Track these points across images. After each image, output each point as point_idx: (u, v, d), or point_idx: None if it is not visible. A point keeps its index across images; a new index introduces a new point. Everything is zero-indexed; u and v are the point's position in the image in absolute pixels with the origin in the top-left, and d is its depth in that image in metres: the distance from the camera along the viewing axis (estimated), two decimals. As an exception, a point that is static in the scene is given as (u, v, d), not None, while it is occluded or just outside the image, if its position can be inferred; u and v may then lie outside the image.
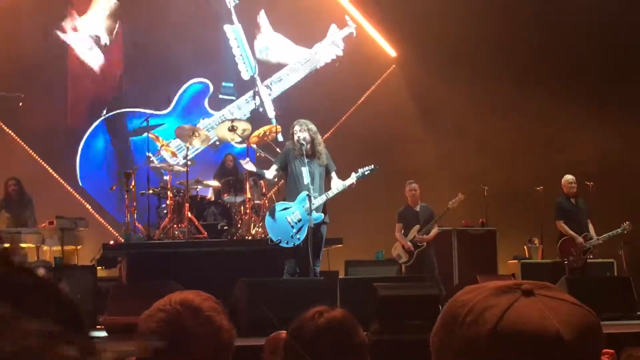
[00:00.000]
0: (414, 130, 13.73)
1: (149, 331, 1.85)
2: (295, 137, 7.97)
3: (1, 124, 12.74)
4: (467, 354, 1.07)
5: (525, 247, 11.82)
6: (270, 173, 8.30)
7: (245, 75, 13.52)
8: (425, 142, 13.72)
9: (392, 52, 14.38)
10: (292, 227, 7.80)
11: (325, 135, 13.34)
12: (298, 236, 7.77)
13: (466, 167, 13.27)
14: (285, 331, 4.16)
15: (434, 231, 10.10)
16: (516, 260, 11.04)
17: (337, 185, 7.94)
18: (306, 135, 7.94)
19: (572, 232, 10.10)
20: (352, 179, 7.97)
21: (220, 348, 1.89)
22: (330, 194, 7.92)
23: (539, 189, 11.83)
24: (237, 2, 13.53)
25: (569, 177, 10.36)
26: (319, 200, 7.79)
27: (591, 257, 10.18)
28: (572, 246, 10.10)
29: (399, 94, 13.91)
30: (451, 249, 10.94)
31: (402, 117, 13.69)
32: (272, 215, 7.99)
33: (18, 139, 12.78)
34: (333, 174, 8.11)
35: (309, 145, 7.92)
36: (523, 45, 13.67)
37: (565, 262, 10.11)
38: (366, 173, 8.07)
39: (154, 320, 1.85)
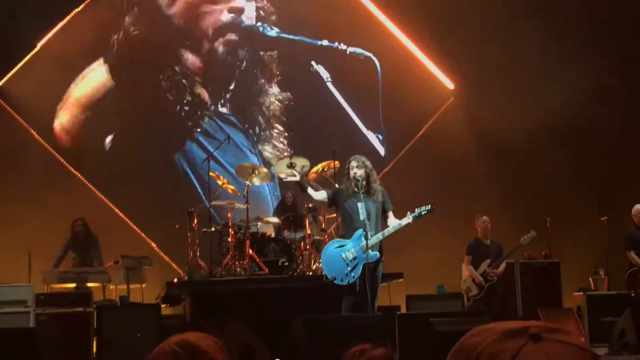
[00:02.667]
0: (474, 164, 13.65)
1: None
2: (352, 173, 7.99)
3: (69, 166, 13.12)
4: None
5: (590, 278, 11.58)
6: (318, 195, 8.25)
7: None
8: (486, 175, 13.62)
9: (449, 85, 14.36)
10: (347, 264, 7.79)
11: (385, 170, 13.39)
12: (352, 274, 7.76)
13: (527, 198, 13.14)
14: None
15: (503, 266, 10.16)
16: (581, 293, 10.81)
17: (393, 224, 7.89)
18: (362, 172, 7.94)
19: (642, 263, 9.90)
20: (408, 218, 7.88)
21: None
22: (387, 232, 7.85)
23: (603, 219, 11.63)
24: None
25: (639, 207, 10.19)
26: (374, 239, 7.76)
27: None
28: (641, 278, 9.89)
29: (458, 128, 13.86)
30: (514, 282, 10.79)
31: (462, 150, 13.63)
32: (327, 252, 8.02)
33: (84, 180, 13.14)
34: (390, 214, 8.01)
35: (364, 182, 7.92)
36: (591, 65, 13.45)
37: (632, 295, 9.88)
38: (423, 213, 7.94)
39: (168, 356, 1.94)
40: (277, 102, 13.97)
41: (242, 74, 14.01)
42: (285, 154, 13.00)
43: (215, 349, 1.99)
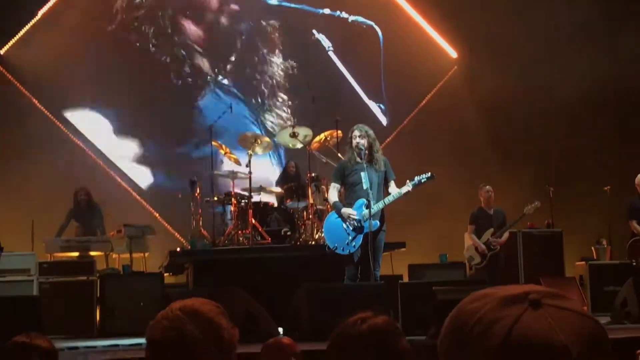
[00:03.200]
0: (477, 133, 13.62)
1: (155, 339, 2.00)
2: (354, 142, 7.97)
3: (70, 135, 13.10)
4: None
5: (593, 248, 11.59)
6: (336, 195, 8.19)
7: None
8: (489, 145, 13.61)
9: (453, 53, 14.28)
10: (348, 234, 7.81)
11: (387, 141, 13.36)
12: (354, 243, 7.78)
13: (531, 168, 13.13)
14: (286, 337, 4.22)
15: (506, 235, 10.19)
16: (583, 262, 10.83)
17: (393, 192, 7.89)
18: (365, 141, 7.92)
19: (644, 233, 9.86)
20: (408, 186, 7.86)
21: (222, 347, 1.99)
22: (387, 201, 7.85)
23: (606, 188, 11.62)
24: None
25: (643, 176, 10.14)
26: (374, 208, 7.75)
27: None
28: (643, 247, 9.87)
29: (461, 96, 13.80)
30: (517, 251, 10.80)
31: (464, 120, 13.59)
32: (329, 222, 8.03)
33: (87, 150, 13.13)
34: (392, 183, 8.01)
35: (367, 152, 7.90)
36: (592, 44, 13.38)
37: (634, 264, 9.88)
38: (423, 181, 7.92)
39: (158, 329, 2.00)
40: (279, 72, 13.92)
41: (243, 44, 13.93)
42: (289, 122, 12.97)
43: (217, 313, 2.03)
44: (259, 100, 13.76)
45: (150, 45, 13.62)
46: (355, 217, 7.74)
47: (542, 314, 1.08)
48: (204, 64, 13.76)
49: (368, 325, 2.27)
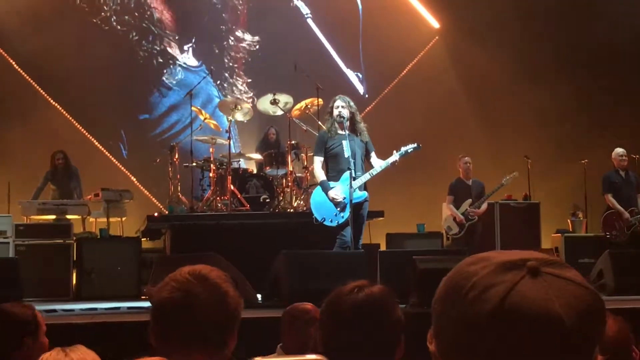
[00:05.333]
0: (457, 103, 13.64)
1: (162, 300, 2.02)
2: (336, 112, 7.95)
3: (48, 97, 12.93)
4: (466, 329, 1.07)
5: (568, 220, 11.71)
6: (322, 172, 8.11)
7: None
8: (469, 115, 13.64)
9: (435, 24, 14.23)
10: (336, 205, 7.82)
11: (367, 109, 13.35)
12: (342, 214, 7.79)
13: (510, 139, 13.20)
14: (309, 303, 4.22)
15: (484, 206, 10.26)
16: (559, 234, 10.94)
17: (380, 163, 7.92)
18: (347, 111, 7.92)
19: (619, 206, 9.96)
20: (395, 156, 7.91)
21: (227, 313, 2.03)
22: (374, 172, 7.89)
23: (583, 162, 11.71)
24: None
25: (619, 150, 10.19)
26: (362, 179, 7.78)
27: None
28: (617, 220, 9.97)
29: (442, 67, 13.79)
30: (494, 222, 10.88)
31: (445, 90, 13.59)
32: (316, 195, 8.01)
33: (64, 112, 12.97)
34: (373, 154, 8.05)
35: (348, 122, 7.91)
36: (570, 13, 13.43)
37: (608, 236, 10.00)
38: (409, 151, 8.02)
39: (167, 290, 2.03)
40: (245, 46, 13.79)
41: (212, 17, 13.78)
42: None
43: (224, 280, 2.07)
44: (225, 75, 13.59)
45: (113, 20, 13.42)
46: (341, 200, 7.74)
47: (540, 282, 1.06)
48: (170, 42, 13.61)
49: (364, 294, 2.27)
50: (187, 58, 13.59)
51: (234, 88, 13.60)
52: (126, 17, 13.39)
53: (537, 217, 11.04)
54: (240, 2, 13.82)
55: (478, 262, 1.11)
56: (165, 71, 13.53)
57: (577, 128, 13.32)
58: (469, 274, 1.09)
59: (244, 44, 13.77)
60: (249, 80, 13.66)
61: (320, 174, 8.02)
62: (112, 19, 13.34)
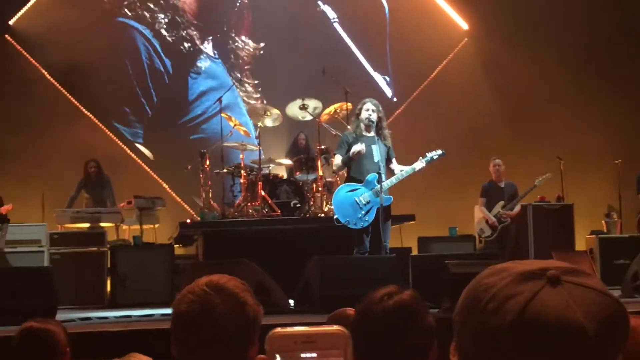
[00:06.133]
0: (487, 105, 13.55)
1: (181, 312, 2.02)
2: (366, 114, 7.96)
3: (81, 107, 13.07)
4: (487, 341, 1.06)
5: (603, 221, 11.57)
6: (338, 160, 8.21)
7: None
8: (500, 117, 13.55)
9: (464, 25, 14.16)
10: (361, 208, 7.82)
11: (396, 112, 13.33)
12: (366, 218, 7.78)
13: (541, 141, 13.09)
14: (352, 309, 4.21)
15: (517, 208, 10.18)
16: (594, 236, 10.82)
17: (407, 169, 7.95)
18: (376, 115, 7.95)
19: (654, 206, 9.84)
20: (422, 163, 7.96)
21: (246, 322, 2.02)
22: (400, 177, 7.92)
23: (617, 161, 11.58)
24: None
25: (654, 149, 10.11)
26: (388, 183, 7.79)
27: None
28: (652, 220, 9.85)
29: (472, 68, 13.71)
30: (527, 225, 10.79)
31: (475, 92, 13.51)
32: (339, 196, 8.01)
33: (97, 121, 13.10)
34: (393, 160, 8.11)
35: (375, 126, 7.94)
36: (603, 16, 13.31)
37: (642, 237, 9.88)
38: (435, 157, 8.07)
39: (185, 302, 2.02)
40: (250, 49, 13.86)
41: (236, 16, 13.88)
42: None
43: (243, 289, 2.06)
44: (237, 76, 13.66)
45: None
46: (362, 150, 7.74)
47: (560, 291, 1.05)
48: (196, 35, 13.73)
49: (394, 301, 2.25)
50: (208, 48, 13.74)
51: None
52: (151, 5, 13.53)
53: (571, 218, 10.92)
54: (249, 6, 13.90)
55: (497, 274, 1.10)
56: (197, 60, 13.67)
57: (610, 128, 13.17)
58: (487, 286, 1.09)
59: (248, 47, 13.84)
60: (256, 82, 13.73)
61: (338, 160, 8.08)
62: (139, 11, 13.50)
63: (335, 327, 1.03)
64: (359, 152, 7.79)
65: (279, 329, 1.05)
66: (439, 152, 8.07)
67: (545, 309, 1.03)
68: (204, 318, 1.98)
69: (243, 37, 13.87)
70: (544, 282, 1.06)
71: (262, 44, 13.82)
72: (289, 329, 1.05)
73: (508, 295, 1.06)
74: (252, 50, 13.85)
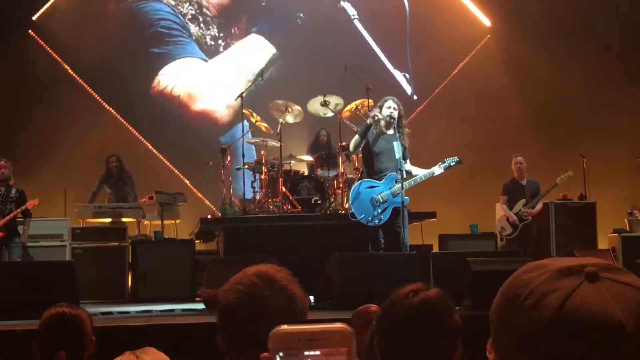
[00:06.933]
0: (510, 103, 13.48)
1: (229, 304, 1.94)
2: (388, 112, 7.96)
3: (103, 103, 13.14)
4: (525, 337, 1.05)
5: (625, 220, 11.47)
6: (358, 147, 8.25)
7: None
8: (522, 115, 13.47)
9: (486, 22, 14.08)
10: (378, 206, 7.82)
11: (418, 109, 13.29)
12: (382, 216, 7.79)
13: (564, 138, 13.00)
14: (374, 305, 4.19)
15: (539, 206, 10.10)
16: (616, 234, 10.72)
17: (426, 172, 8.01)
18: (396, 113, 7.96)
19: (676, 205, 9.75)
20: (440, 168, 8.06)
21: (294, 315, 1.96)
22: (418, 179, 7.97)
23: (639, 159, 11.48)
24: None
25: (675, 148, 10.01)
26: (406, 185, 7.79)
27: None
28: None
29: (494, 66, 13.63)
30: (549, 223, 10.72)
31: (497, 89, 13.44)
32: (358, 191, 8.01)
33: (119, 117, 13.17)
34: (407, 161, 8.15)
35: (396, 123, 7.95)
36: (623, 15, 13.20)
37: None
38: (452, 164, 8.16)
39: (233, 293, 1.94)
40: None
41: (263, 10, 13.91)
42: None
43: (291, 281, 2.00)
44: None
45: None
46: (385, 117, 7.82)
47: (599, 287, 1.05)
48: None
49: (420, 298, 2.22)
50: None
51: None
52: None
53: (594, 216, 10.84)
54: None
55: (534, 270, 1.10)
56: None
57: (633, 126, 13.05)
58: (525, 282, 1.08)
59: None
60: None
61: (356, 139, 8.09)
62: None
63: (339, 325, 1.02)
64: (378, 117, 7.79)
65: (283, 327, 1.03)
66: (456, 159, 8.16)
67: (584, 305, 1.03)
68: (252, 310, 1.91)
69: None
70: (582, 278, 1.06)
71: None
72: (292, 327, 1.03)
73: (546, 291, 1.05)
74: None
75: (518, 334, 1.07)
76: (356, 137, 8.20)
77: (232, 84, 13.22)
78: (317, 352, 0.98)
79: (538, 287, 1.06)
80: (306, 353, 0.99)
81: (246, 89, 11.48)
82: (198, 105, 13.56)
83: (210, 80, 13.61)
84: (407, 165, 8.06)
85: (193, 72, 13.59)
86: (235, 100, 11.44)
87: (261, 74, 11.73)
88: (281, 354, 1.01)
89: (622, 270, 1.09)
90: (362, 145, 8.11)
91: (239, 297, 1.93)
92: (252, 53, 13.71)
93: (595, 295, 1.03)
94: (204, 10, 13.76)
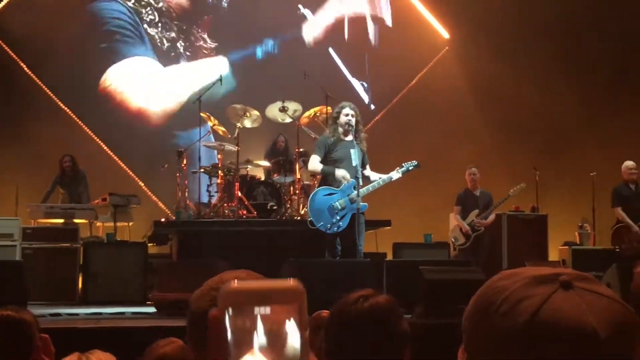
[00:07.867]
0: (467, 114, 13.62)
1: (202, 310, 1.84)
2: (345, 119, 7.97)
3: (58, 101, 12.97)
4: (499, 343, 1.06)
5: (576, 233, 11.65)
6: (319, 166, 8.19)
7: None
8: (479, 126, 13.61)
9: (445, 34, 14.22)
10: (336, 213, 7.82)
11: (375, 118, 13.35)
12: (340, 223, 7.80)
13: (518, 151, 13.17)
14: (327, 311, 4.20)
15: (492, 217, 10.23)
16: (567, 247, 10.89)
17: (384, 177, 7.99)
18: (354, 120, 7.97)
19: (629, 220, 9.93)
20: (398, 173, 8.03)
21: None
22: (376, 185, 7.95)
23: (592, 174, 11.67)
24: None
25: (629, 164, 10.17)
26: (363, 191, 7.80)
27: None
28: (627, 234, 9.94)
29: (452, 77, 13.77)
30: (501, 234, 10.84)
31: (455, 100, 13.57)
32: (316, 199, 8.00)
33: (74, 116, 13.00)
34: (367, 167, 8.15)
35: (353, 130, 7.96)
36: (580, 27, 13.43)
37: (617, 250, 9.95)
38: (410, 168, 8.15)
39: (207, 299, 1.86)
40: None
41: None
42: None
43: None
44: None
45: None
46: (346, 177, 7.76)
47: (573, 295, 1.06)
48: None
49: (369, 304, 2.23)
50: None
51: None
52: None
53: (545, 229, 10.99)
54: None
55: (509, 277, 1.11)
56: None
57: (587, 140, 13.27)
58: (500, 289, 1.09)
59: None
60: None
61: (318, 165, 8.03)
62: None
63: (291, 282, 1.01)
64: (343, 177, 7.80)
65: (233, 284, 1.02)
66: (414, 163, 8.15)
67: (558, 312, 1.04)
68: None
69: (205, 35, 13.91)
70: (556, 286, 1.07)
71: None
72: (243, 284, 1.02)
73: (521, 297, 1.06)
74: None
75: (492, 340, 1.07)
76: (316, 166, 8.09)
77: (177, 93, 13.21)
78: (267, 308, 0.97)
79: (513, 294, 1.07)
80: (256, 309, 0.98)
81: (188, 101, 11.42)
82: (136, 104, 13.42)
83: (155, 82, 13.51)
84: (367, 171, 8.07)
85: (139, 72, 13.47)
86: (193, 103, 11.38)
87: (199, 95, 11.47)
88: (231, 310, 1.00)
89: (594, 280, 1.11)
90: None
91: (214, 304, 1.86)
92: (204, 72, 13.58)
93: (569, 302, 1.05)
94: (163, 11, 13.67)
